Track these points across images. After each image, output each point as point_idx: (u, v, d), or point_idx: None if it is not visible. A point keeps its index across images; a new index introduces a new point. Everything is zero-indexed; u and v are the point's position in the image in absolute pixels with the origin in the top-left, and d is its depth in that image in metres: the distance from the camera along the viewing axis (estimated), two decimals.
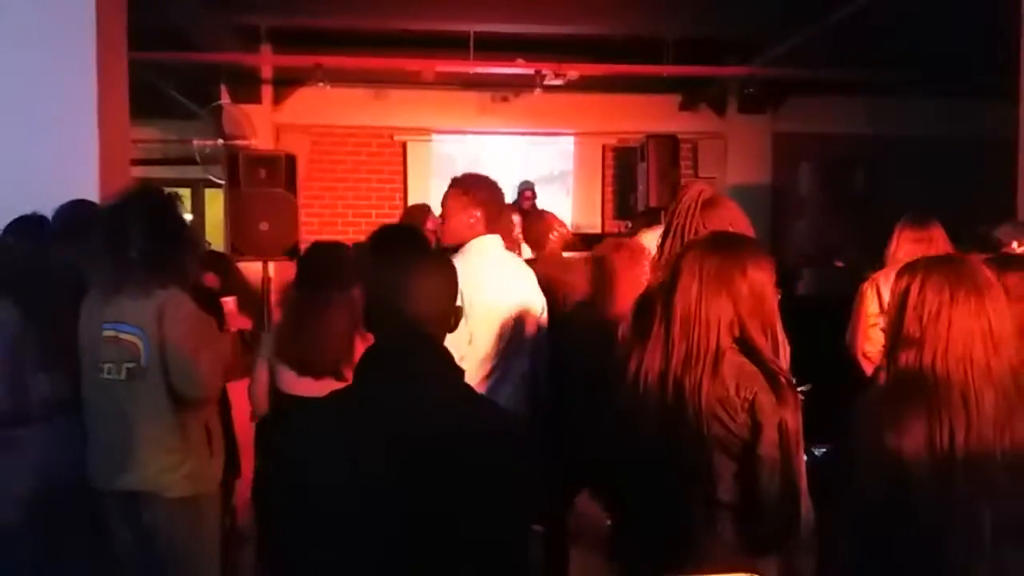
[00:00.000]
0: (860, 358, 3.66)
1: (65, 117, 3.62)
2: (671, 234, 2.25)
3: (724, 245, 1.97)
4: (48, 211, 3.24)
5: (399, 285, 1.59)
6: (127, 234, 2.61)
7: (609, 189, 9.22)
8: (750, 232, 2.24)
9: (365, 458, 1.48)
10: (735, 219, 2.26)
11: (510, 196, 8.58)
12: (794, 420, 1.84)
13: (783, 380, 1.85)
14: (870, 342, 3.60)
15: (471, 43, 7.12)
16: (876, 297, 3.59)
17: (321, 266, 3.08)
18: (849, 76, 7.86)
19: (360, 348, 2.69)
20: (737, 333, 1.88)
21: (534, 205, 7.29)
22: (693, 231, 2.19)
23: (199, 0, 6.04)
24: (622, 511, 2.23)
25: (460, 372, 1.61)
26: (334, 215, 8.96)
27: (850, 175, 8.53)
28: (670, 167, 7.91)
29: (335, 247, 3.25)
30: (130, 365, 2.61)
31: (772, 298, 1.94)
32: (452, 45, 7.34)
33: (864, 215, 7.69)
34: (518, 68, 7.39)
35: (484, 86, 8.48)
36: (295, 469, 1.52)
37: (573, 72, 7.30)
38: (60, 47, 3.61)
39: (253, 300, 4.01)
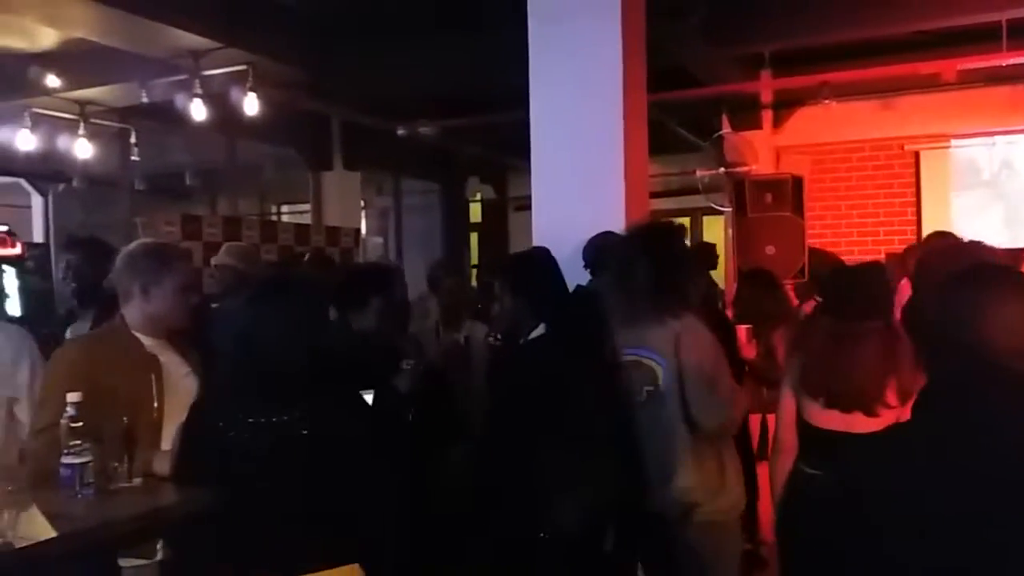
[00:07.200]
0: None
1: (596, 155, 3.86)
2: None
3: None
4: (579, 243, 3.57)
5: (975, 312, 1.44)
6: (637, 264, 2.72)
7: None
8: None
9: (926, 495, 1.39)
10: None
11: None
12: None
13: None
14: None
15: (1004, 32, 6.21)
16: None
17: (853, 293, 2.79)
18: None
19: (898, 382, 2.50)
20: None
21: None
22: None
23: (705, 37, 6.27)
24: None
25: None
26: (837, 235, 8.59)
27: None
28: None
29: (869, 270, 2.90)
30: (649, 388, 2.70)
31: None
32: (977, 39, 6.50)
33: None
34: None
35: (1018, 79, 7.33)
36: (853, 504, 1.48)
37: None
38: (592, 93, 3.88)
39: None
